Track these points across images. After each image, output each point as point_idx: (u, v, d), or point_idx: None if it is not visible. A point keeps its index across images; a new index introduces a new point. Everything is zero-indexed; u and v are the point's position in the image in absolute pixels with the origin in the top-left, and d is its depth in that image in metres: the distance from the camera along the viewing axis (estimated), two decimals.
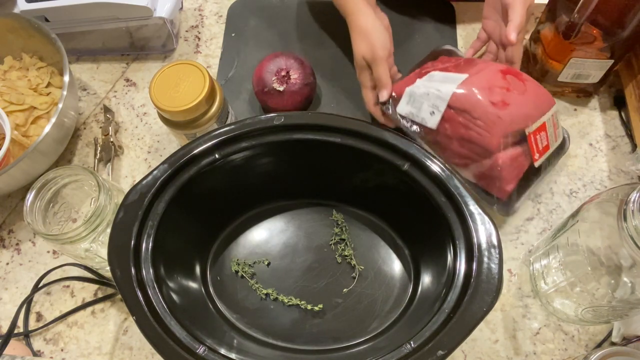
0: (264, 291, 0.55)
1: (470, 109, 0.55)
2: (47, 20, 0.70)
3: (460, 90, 0.56)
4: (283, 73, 0.64)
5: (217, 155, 0.50)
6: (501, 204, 0.58)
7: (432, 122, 0.58)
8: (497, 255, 0.43)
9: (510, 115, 0.55)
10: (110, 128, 0.70)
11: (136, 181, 0.49)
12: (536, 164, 0.58)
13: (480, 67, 0.59)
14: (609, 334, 0.55)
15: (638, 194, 0.41)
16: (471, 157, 0.58)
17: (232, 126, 0.50)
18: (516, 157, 0.57)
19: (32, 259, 0.64)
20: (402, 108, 0.60)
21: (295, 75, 0.64)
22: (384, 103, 0.61)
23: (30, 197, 0.52)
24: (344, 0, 0.62)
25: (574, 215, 0.50)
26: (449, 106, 0.56)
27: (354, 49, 0.61)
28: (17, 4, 0.69)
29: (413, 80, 0.60)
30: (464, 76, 0.57)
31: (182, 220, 0.51)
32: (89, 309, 0.60)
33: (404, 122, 0.60)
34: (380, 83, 0.60)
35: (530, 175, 0.60)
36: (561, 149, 0.62)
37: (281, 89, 0.64)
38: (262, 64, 0.66)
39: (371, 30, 0.59)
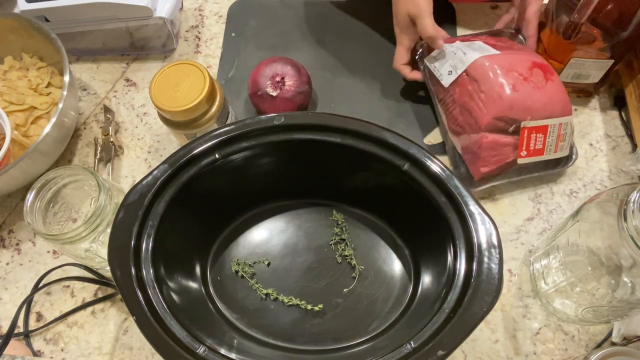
0: (264, 291, 0.55)
1: (480, 80, 0.58)
2: (47, 20, 0.70)
3: (481, 61, 0.58)
4: (278, 79, 0.65)
5: (217, 155, 0.50)
6: (472, 183, 0.61)
7: (447, 80, 0.61)
8: (497, 255, 0.43)
9: (513, 100, 0.56)
10: (110, 128, 0.70)
11: (136, 181, 0.49)
12: (519, 161, 0.59)
13: (519, 52, 0.60)
14: (609, 334, 0.55)
15: (638, 194, 0.41)
16: (464, 128, 0.60)
17: (232, 126, 0.50)
18: (502, 145, 0.58)
19: (32, 259, 0.64)
20: (430, 59, 0.64)
21: (290, 82, 0.65)
22: (434, 55, 0.64)
23: (30, 197, 0.52)
24: None
25: (574, 215, 0.50)
26: (465, 71, 0.59)
27: (395, 9, 0.63)
28: (17, 4, 0.69)
29: (454, 40, 0.63)
30: (496, 52, 0.59)
31: (182, 220, 0.51)
32: (89, 309, 0.60)
33: (425, 72, 0.64)
34: (431, 34, 0.61)
35: (511, 170, 0.60)
36: (561, 163, 0.62)
37: (274, 94, 0.64)
38: (259, 67, 0.66)
39: None
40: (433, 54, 0.64)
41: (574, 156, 0.62)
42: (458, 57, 0.61)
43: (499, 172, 0.60)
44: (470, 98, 0.58)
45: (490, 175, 0.60)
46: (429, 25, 0.61)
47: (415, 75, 0.66)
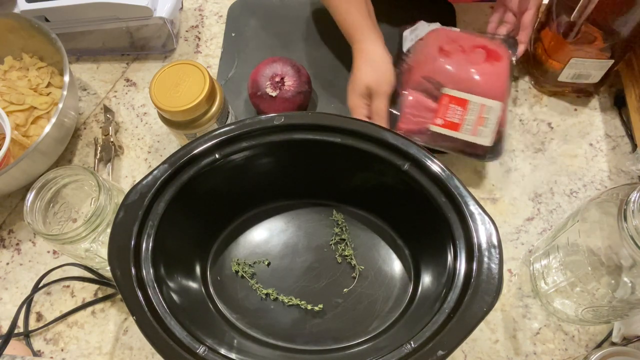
0: (264, 291, 0.55)
1: (425, 43, 0.62)
2: (47, 20, 0.70)
3: (435, 29, 0.64)
4: (277, 79, 0.65)
5: (217, 155, 0.50)
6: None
7: (406, 45, 0.65)
8: (497, 255, 0.43)
9: (442, 67, 0.59)
10: (110, 128, 0.70)
11: (136, 181, 0.49)
12: (431, 127, 0.59)
13: (478, 37, 0.62)
14: (609, 334, 0.55)
15: (638, 194, 0.41)
16: (403, 87, 0.62)
17: (232, 126, 0.50)
18: (425, 108, 0.60)
19: (32, 259, 0.64)
20: (407, 33, 0.67)
21: (289, 82, 0.65)
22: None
23: (30, 197, 0.52)
24: (354, 26, 0.62)
25: (574, 215, 0.50)
26: (422, 38, 0.64)
27: (357, 74, 0.60)
28: (17, 4, 0.69)
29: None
30: (456, 30, 0.64)
31: (182, 220, 0.51)
32: (89, 309, 0.60)
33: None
34: (380, 117, 0.60)
35: (429, 137, 0.60)
36: (482, 154, 0.60)
37: (274, 94, 0.64)
38: (258, 67, 0.66)
39: (381, 62, 0.59)
40: (411, 28, 0.67)
41: (499, 152, 0.61)
42: (424, 29, 0.64)
43: (418, 134, 0.60)
44: (416, 60, 0.62)
45: (408, 134, 0.60)
46: (383, 109, 0.59)
47: None
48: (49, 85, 0.69)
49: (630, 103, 0.64)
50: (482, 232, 0.44)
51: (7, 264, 0.64)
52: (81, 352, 0.58)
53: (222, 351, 0.44)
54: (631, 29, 0.57)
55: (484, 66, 0.59)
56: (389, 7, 0.77)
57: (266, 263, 0.57)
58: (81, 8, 0.68)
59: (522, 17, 0.64)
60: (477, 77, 0.58)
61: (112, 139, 0.69)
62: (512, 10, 0.66)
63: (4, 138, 0.61)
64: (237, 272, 0.56)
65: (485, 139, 0.59)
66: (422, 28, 0.66)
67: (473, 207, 0.45)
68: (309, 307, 0.54)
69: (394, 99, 0.62)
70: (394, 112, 0.62)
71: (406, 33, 0.67)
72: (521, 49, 0.64)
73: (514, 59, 0.64)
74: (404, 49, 0.65)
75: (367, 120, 0.60)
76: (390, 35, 0.69)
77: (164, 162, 0.49)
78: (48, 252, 0.64)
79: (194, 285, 0.54)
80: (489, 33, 0.68)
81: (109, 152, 0.69)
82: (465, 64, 0.58)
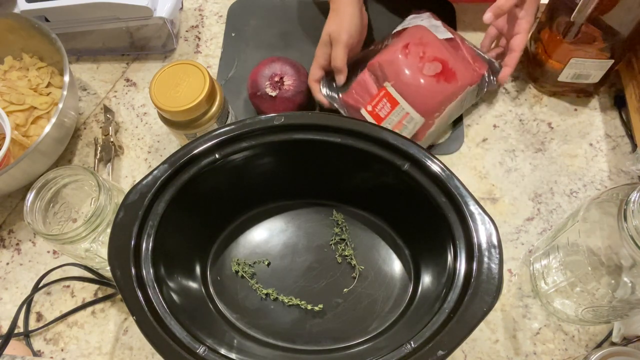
0: (264, 291, 0.55)
1: (402, 36, 0.64)
2: (47, 20, 0.70)
3: (421, 26, 0.64)
4: (277, 79, 0.65)
5: (217, 155, 0.50)
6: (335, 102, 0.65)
7: (397, 29, 0.67)
8: (497, 255, 0.43)
9: (397, 60, 0.60)
10: (110, 128, 0.70)
11: (136, 181, 0.49)
12: (361, 110, 0.62)
13: (450, 54, 0.63)
14: (609, 334, 0.55)
15: (638, 194, 0.41)
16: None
17: (232, 126, 0.50)
18: (367, 91, 0.62)
19: (32, 259, 0.64)
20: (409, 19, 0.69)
21: (289, 82, 0.65)
22: (338, 87, 0.66)
23: (30, 197, 0.52)
24: None
25: (574, 215, 0.50)
26: (407, 28, 0.65)
27: (325, 24, 0.64)
28: (17, 4, 0.69)
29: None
30: (440, 35, 0.64)
31: (182, 220, 0.51)
32: (89, 309, 0.60)
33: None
34: (335, 65, 0.63)
35: (357, 117, 0.63)
36: None
37: (273, 94, 0.64)
38: (258, 67, 0.66)
39: (348, 15, 0.62)
40: (416, 15, 0.69)
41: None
42: (418, 21, 0.65)
43: (353, 112, 0.63)
44: (387, 45, 0.65)
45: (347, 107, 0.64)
46: (339, 57, 0.62)
47: (321, 98, 0.65)
48: (49, 85, 0.69)
49: (630, 103, 0.64)
50: (482, 232, 0.44)
51: (7, 264, 0.64)
52: (81, 352, 0.58)
53: (222, 351, 0.44)
54: (631, 29, 0.57)
55: (429, 80, 0.60)
56: (390, 5, 0.77)
57: (266, 263, 0.57)
58: (81, 8, 0.68)
59: (510, 41, 0.63)
60: (417, 86, 0.60)
61: (112, 139, 0.69)
62: (503, 33, 0.66)
63: (4, 138, 0.61)
64: (237, 272, 0.56)
65: None
66: (419, 19, 0.66)
67: (473, 207, 0.45)
68: (309, 307, 0.54)
69: (356, 71, 0.65)
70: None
71: (409, 17, 0.69)
72: (506, 72, 0.64)
73: (485, 85, 0.65)
74: (393, 30, 0.67)
75: (324, 70, 0.65)
76: (389, 28, 0.70)
77: (164, 162, 0.49)
78: (48, 252, 0.64)
79: (194, 285, 0.54)
80: (480, 50, 0.68)
81: (109, 152, 0.69)
82: (415, 70, 0.60)
